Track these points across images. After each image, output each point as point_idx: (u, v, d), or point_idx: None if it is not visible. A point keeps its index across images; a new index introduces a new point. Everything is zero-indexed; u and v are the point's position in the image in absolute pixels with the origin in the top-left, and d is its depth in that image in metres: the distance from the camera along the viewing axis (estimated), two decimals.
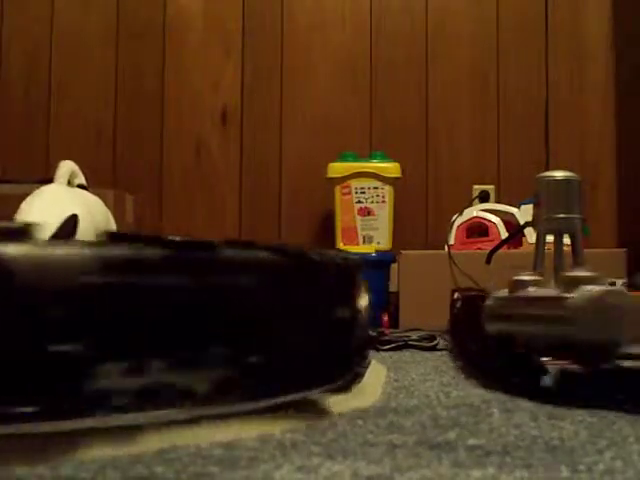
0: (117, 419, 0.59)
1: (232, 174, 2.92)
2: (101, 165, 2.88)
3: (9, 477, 0.49)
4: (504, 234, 2.41)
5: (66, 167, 1.61)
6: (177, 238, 0.61)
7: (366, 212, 2.63)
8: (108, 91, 2.92)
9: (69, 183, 1.60)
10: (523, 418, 0.72)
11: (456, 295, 1.32)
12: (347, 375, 0.78)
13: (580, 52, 2.93)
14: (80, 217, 1.38)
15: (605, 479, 0.50)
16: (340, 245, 2.63)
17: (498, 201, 2.77)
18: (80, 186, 1.63)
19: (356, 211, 2.63)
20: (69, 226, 1.34)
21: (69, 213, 1.37)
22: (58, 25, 2.92)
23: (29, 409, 0.53)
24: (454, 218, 2.59)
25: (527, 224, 1.37)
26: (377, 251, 2.61)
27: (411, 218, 2.85)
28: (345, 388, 0.81)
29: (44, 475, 0.50)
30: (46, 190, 1.50)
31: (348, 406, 0.78)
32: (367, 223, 2.63)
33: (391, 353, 1.46)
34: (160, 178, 2.92)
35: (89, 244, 0.57)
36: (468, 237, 2.54)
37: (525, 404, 0.81)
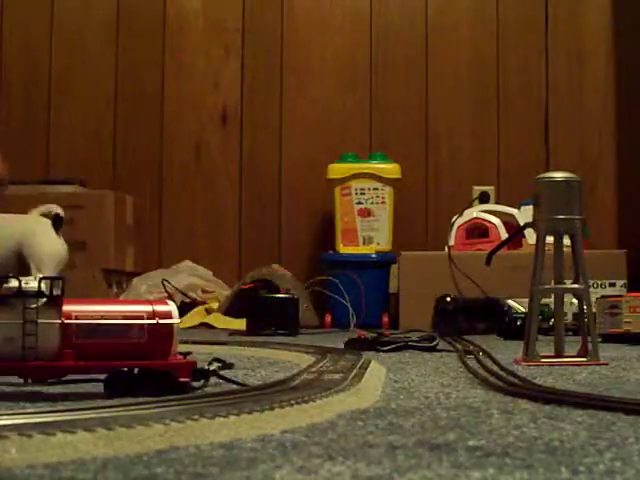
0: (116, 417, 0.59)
1: (232, 174, 2.92)
2: (101, 165, 2.88)
3: (9, 477, 0.49)
4: (504, 235, 2.41)
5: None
6: None
7: (366, 213, 2.63)
8: (108, 91, 2.92)
9: None
10: (523, 419, 0.72)
11: None
12: None
13: (580, 52, 2.92)
14: None
15: None
16: (340, 246, 2.63)
17: (498, 202, 2.77)
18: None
19: (356, 212, 2.62)
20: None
21: None
22: (58, 25, 2.92)
23: None
24: (454, 219, 2.58)
25: (527, 225, 1.37)
26: (377, 252, 2.61)
27: (411, 219, 2.85)
28: None
29: (44, 475, 0.50)
30: None
31: (348, 407, 0.78)
32: (367, 224, 2.62)
33: (391, 354, 1.46)
34: (160, 178, 2.91)
35: None
36: (468, 238, 2.54)
37: (525, 405, 0.81)
